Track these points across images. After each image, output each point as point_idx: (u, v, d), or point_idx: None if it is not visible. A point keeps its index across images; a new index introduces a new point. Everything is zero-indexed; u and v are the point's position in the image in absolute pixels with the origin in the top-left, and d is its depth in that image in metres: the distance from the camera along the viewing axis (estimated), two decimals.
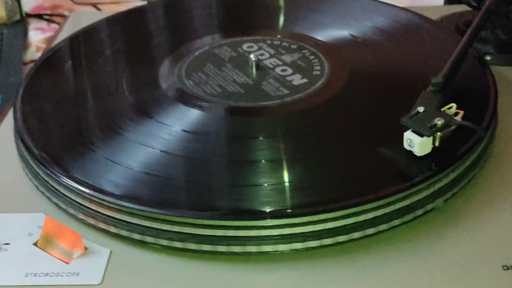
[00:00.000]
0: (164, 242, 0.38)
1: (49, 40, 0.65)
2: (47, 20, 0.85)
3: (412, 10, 0.58)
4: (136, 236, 0.38)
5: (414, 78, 0.48)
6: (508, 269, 0.35)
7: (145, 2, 0.69)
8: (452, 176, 0.39)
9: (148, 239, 0.38)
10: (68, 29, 0.65)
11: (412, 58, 0.51)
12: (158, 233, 0.37)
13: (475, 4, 0.57)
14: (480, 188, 0.41)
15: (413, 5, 0.75)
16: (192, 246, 0.37)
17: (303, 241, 0.36)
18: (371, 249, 0.37)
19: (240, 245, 0.37)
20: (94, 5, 0.77)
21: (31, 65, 0.69)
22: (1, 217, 0.41)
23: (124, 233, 0.38)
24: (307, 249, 0.37)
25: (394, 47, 0.52)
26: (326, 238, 0.37)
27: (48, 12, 0.87)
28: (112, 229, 0.39)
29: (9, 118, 0.50)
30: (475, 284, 0.35)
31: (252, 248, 0.37)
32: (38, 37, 0.81)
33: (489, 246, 0.37)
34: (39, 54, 0.77)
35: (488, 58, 0.55)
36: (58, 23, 0.83)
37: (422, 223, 0.39)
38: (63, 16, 0.85)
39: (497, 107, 0.44)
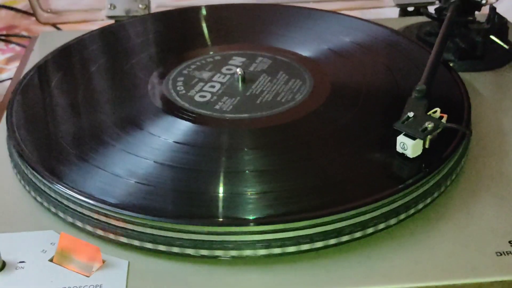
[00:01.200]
0: (176, 250, 0.39)
1: (23, 58, 0.65)
2: (4, 40, 0.84)
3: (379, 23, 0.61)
4: (149, 245, 0.39)
5: (389, 87, 0.52)
6: (501, 255, 0.39)
7: (111, 21, 0.70)
8: (440, 174, 0.42)
9: (161, 247, 0.39)
10: (39, 49, 0.65)
11: (383, 68, 0.55)
12: (170, 241, 0.39)
13: (435, 16, 0.62)
14: (464, 184, 0.45)
15: (364, 17, 0.78)
16: (205, 252, 0.39)
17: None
18: (373, 245, 0.40)
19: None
20: (54, 25, 0.77)
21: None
22: (10, 237, 0.41)
23: (136, 243, 0.40)
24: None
25: (367, 58, 0.56)
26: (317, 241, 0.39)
27: (4, 32, 0.87)
28: (124, 240, 0.40)
29: None
30: (474, 270, 0.38)
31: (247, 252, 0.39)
32: None
33: (481, 236, 0.40)
34: (2, 75, 0.76)
35: (450, 65, 0.60)
36: (17, 43, 0.83)
37: (415, 220, 0.42)
38: (21, 37, 0.85)
39: (471, 108, 0.48)
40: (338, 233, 0.39)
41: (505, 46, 0.60)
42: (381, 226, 0.40)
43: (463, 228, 0.41)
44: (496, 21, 0.59)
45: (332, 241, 0.39)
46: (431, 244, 0.40)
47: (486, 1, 0.61)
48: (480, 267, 0.38)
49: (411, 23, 0.68)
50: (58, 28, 0.86)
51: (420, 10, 0.73)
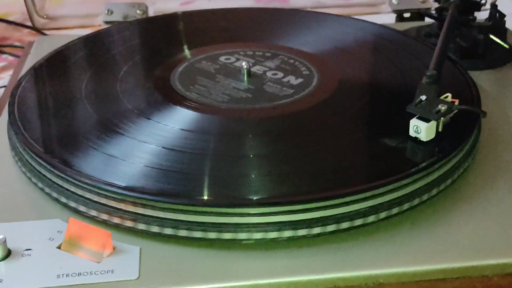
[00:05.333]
0: (184, 233, 0.38)
1: (18, 63, 0.64)
2: None
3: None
4: (155, 229, 0.38)
5: (395, 81, 0.52)
6: None
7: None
8: (458, 157, 0.42)
9: (167, 230, 0.38)
10: (35, 53, 0.64)
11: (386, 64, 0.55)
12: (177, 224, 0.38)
13: (436, 15, 0.62)
14: (479, 169, 0.45)
15: None
16: (212, 235, 0.38)
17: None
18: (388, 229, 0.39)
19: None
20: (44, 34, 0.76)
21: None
22: (15, 226, 0.40)
23: (146, 227, 0.38)
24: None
25: (371, 54, 0.56)
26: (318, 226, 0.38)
27: None
28: (141, 226, 0.39)
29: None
30: (497, 251, 0.38)
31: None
32: None
33: (502, 218, 0.40)
34: None
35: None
36: (10, 54, 0.82)
37: (432, 205, 0.41)
38: (14, 47, 0.84)
39: (480, 96, 0.48)
40: (363, 214, 0.38)
41: (505, 45, 0.60)
42: (395, 210, 0.39)
43: (482, 210, 0.41)
44: (497, 19, 0.59)
45: (359, 222, 0.38)
46: (451, 228, 0.39)
47: (486, 1, 0.62)
48: (502, 248, 0.38)
49: (408, 27, 0.68)
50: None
51: (416, 15, 0.73)
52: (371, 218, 0.39)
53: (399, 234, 0.39)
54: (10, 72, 0.70)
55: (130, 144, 0.43)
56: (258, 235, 0.38)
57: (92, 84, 0.51)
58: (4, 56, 0.82)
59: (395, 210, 0.40)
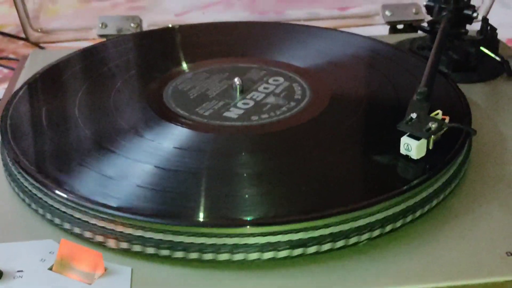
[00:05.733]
0: (180, 254, 0.38)
1: (12, 77, 0.64)
2: None
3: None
4: (150, 251, 0.38)
5: (387, 95, 0.52)
6: (511, 255, 0.38)
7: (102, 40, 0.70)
8: (447, 175, 0.42)
9: (164, 252, 0.38)
10: (30, 67, 0.65)
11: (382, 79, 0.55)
12: (173, 245, 0.38)
13: (428, 29, 0.62)
14: (469, 187, 0.45)
15: None
16: (209, 256, 0.38)
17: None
18: (383, 247, 0.40)
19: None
20: (41, 47, 0.76)
21: None
22: (7, 247, 0.40)
23: (138, 248, 0.39)
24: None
25: (364, 68, 0.56)
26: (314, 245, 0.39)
27: None
28: (125, 245, 0.39)
29: None
30: (485, 270, 0.38)
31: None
32: None
33: (490, 237, 0.40)
34: None
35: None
36: (4, 66, 0.82)
37: (422, 223, 0.41)
38: (9, 59, 0.84)
39: (470, 111, 0.48)
40: (345, 235, 0.38)
41: (497, 58, 0.61)
42: (388, 228, 0.40)
43: (471, 229, 0.41)
44: (488, 32, 0.59)
45: (340, 244, 0.38)
46: (440, 245, 0.39)
47: (477, 15, 0.62)
48: (491, 267, 0.38)
49: (401, 39, 0.69)
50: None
51: (409, 27, 0.74)
52: (365, 236, 0.39)
53: (391, 252, 0.39)
54: (5, 85, 0.70)
55: (123, 163, 0.43)
56: (253, 256, 0.38)
57: (85, 101, 0.51)
58: None
59: (388, 228, 0.40)
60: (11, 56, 0.85)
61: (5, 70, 0.81)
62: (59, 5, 0.82)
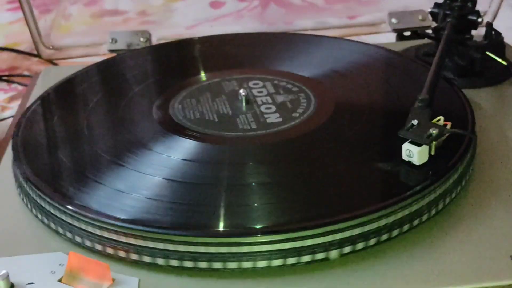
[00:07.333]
0: (189, 264, 0.39)
1: (25, 94, 0.65)
2: (7, 81, 0.85)
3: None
4: (160, 261, 0.39)
5: (391, 103, 0.52)
6: None
7: (111, 55, 0.71)
8: (451, 180, 0.42)
9: (173, 262, 0.39)
10: (42, 84, 0.66)
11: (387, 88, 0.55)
12: (181, 255, 0.39)
13: (433, 35, 0.62)
14: (473, 191, 0.45)
15: None
16: (218, 265, 0.39)
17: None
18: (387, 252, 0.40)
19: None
20: (54, 63, 0.78)
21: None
22: (18, 260, 0.41)
23: (147, 259, 0.39)
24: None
25: (369, 77, 0.57)
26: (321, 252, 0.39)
27: (6, 73, 0.88)
28: (135, 257, 0.40)
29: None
30: (490, 274, 0.38)
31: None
32: (1, 97, 0.81)
33: (494, 241, 0.40)
34: (4, 114, 0.77)
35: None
36: (19, 83, 0.84)
37: (427, 227, 0.42)
38: (23, 76, 0.86)
39: (474, 116, 0.48)
40: (351, 241, 0.39)
41: (503, 62, 0.61)
42: (395, 233, 0.40)
43: (475, 233, 0.41)
44: (493, 37, 0.60)
45: (347, 249, 0.39)
46: (445, 250, 0.40)
47: (482, 20, 0.62)
48: (496, 271, 0.38)
49: (408, 46, 0.69)
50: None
51: (417, 33, 0.74)
52: (372, 242, 0.40)
53: (397, 257, 0.39)
54: (19, 102, 0.71)
55: (133, 176, 0.44)
56: (262, 263, 0.38)
57: (95, 116, 0.53)
58: (13, 85, 0.84)
59: (395, 232, 0.40)
60: (26, 73, 0.87)
61: (20, 87, 0.83)
62: (72, 22, 0.84)
